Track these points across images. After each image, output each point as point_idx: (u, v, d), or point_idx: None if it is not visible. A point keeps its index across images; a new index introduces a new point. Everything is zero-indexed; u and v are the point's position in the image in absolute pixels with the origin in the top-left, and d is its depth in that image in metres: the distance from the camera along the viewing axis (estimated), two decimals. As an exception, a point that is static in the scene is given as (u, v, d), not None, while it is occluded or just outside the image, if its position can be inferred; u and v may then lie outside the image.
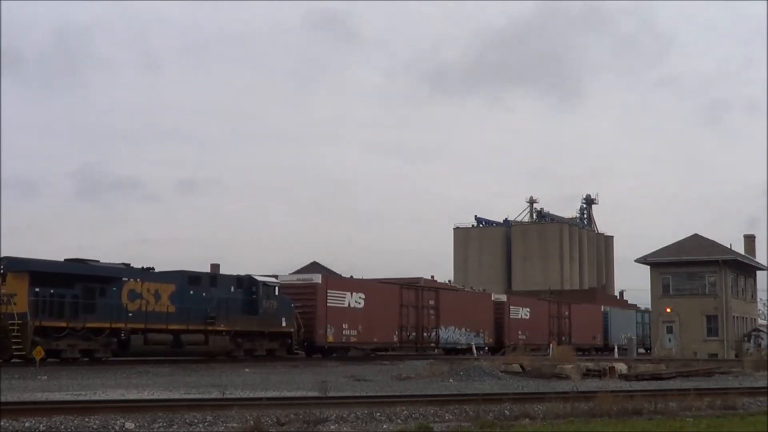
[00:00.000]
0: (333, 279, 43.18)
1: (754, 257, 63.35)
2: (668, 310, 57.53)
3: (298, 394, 18.39)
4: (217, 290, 34.79)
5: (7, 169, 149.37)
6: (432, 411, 15.04)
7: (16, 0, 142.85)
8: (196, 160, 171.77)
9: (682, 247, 58.73)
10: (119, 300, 31.13)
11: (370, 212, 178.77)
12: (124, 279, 31.53)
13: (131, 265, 32.67)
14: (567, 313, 63.67)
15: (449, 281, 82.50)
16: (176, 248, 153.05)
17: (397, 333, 45.39)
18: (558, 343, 57.40)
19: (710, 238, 60.39)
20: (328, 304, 40.44)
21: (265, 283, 36.91)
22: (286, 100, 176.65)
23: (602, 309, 70.08)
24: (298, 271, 62.40)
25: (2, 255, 29.85)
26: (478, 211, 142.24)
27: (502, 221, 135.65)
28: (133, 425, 12.65)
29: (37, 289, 28.92)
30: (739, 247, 62.39)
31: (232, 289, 35.68)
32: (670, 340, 56.83)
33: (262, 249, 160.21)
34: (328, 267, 74.66)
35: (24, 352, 27.88)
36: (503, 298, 59.10)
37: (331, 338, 40.41)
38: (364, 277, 50.81)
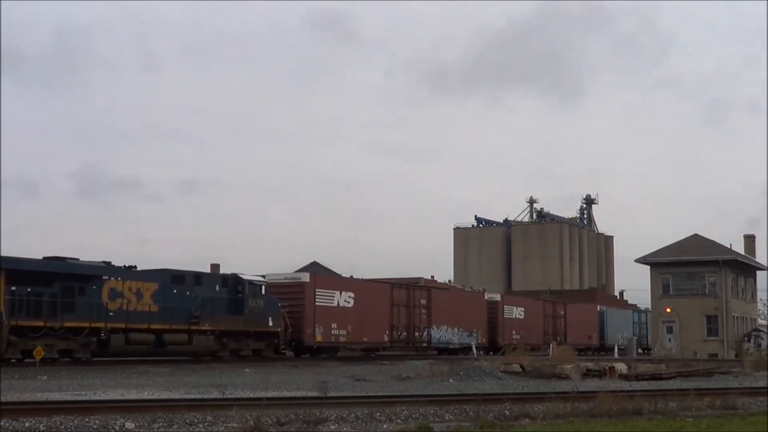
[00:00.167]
0: (321, 278, 42.41)
1: (754, 257, 63.38)
2: (668, 310, 57.57)
3: (298, 394, 18.39)
4: (202, 289, 34.15)
5: (7, 169, 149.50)
6: (432, 411, 15.04)
7: (16, 0, 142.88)
8: (196, 160, 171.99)
9: (682, 247, 58.76)
10: (99, 299, 30.46)
11: (370, 212, 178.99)
12: (104, 277, 30.84)
13: (112, 263, 31.95)
14: (562, 312, 63.20)
15: (449, 281, 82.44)
16: (176, 248, 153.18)
17: (387, 333, 44.85)
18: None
19: (710, 238, 60.51)
20: (317, 304, 39.87)
21: (251, 282, 36.34)
22: (286, 100, 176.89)
23: (598, 308, 69.56)
24: (298, 272, 61.99)
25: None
26: (478, 211, 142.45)
27: (502, 221, 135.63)
28: (133, 425, 12.65)
29: (13, 288, 28.17)
30: (739, 247, 62.46)
31: (217, 288, 35.11)
32: (670, 340, 56.85)
33: (262, 249, 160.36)
34: (328, 267, 74.68)
35: None
36: (497, 297, 58.40)
37: (319, 338, 39.91)
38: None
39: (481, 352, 51.71)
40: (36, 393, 17.91)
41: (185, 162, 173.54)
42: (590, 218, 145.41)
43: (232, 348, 35.60)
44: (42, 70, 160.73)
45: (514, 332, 56.13)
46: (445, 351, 49.69)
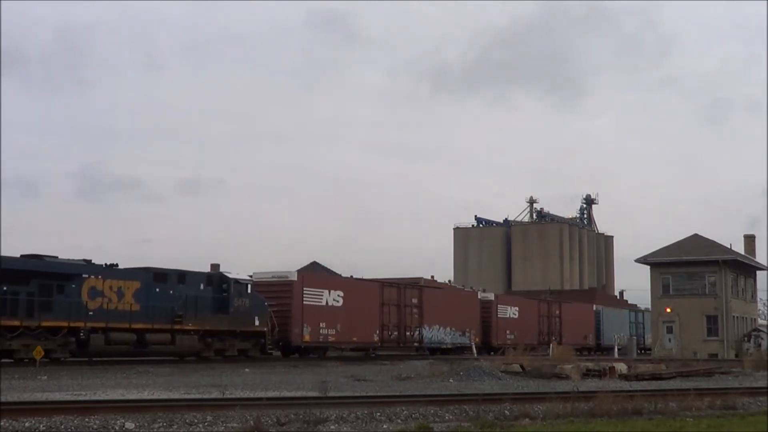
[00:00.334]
0: (309, 276, 41.54)
1: (754, 257, 63.38)
2: (668, 310, 57.55)
3: (298, 394, 18.39)
4: (186, 288, 33.48)
5: (7, 169, 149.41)
6: (432, 411, 15.04)
7: (17, 0, 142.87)
8: (196, 160, 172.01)
9: (682, 247, 58.76)
10: (79, 298, 29.82)
11: (370, 212, 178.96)
12: (84, 276, 30.21)
13: (93, 261, 31.42)
14: (558, 312, 62.48)
15: (449, 281, 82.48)
16: (177, 248, 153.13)
17: (378, 332, 44.22)
18: (548, 342, 56.93)
19: (710, 238, 60.48)
20: (305, 303, 39.22)
21: (236, 281, 35.76)
22: (287, 100, 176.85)
23: (594, 308, 68.81)
24: (299, 271, 61.77)
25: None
26: (478, 211, 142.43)
27: (502, 221, 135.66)
28: (133, 425, 12.65)
29: None
30: (739, 247, 62.46)
31: (202, 287, 34.36)
32: (670, 340, 56.84)
33: (263, 249, 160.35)
34: (329, 267, 74.73)
35: None
36: (491, 297, 57.68)
37: (307, 337, 39.25)
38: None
39: (471, 352, 51.52)
40: (36, 393, 17.92)
41: (186, 162, 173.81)
42: (590, 218, 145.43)
43: (217, 348, 35.01)
44: (43, 69, 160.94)
45: (508, 332, 55.54)
46: (438, 351, 49.02)
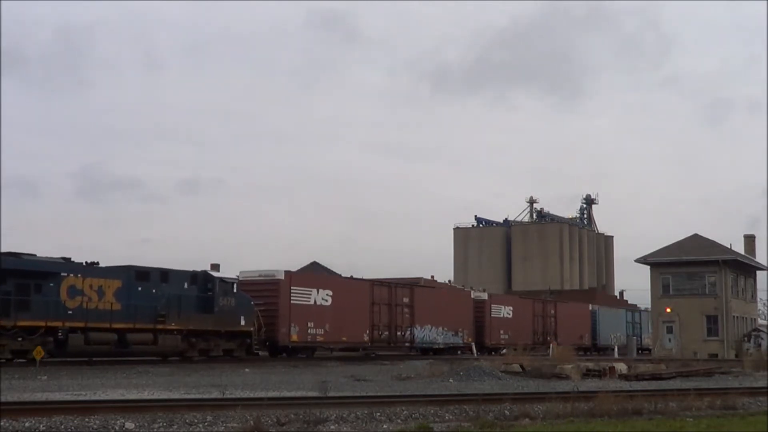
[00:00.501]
0: (297, 275, 40.44)
1: (754, 257, 63.39)
2: (668, 310, 57.55)
3: (298, 394, 18.40)
4: (169, 287, 32.75)
5: (7, 169, 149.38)
6: (432, 411, 15.05)
7: (17, 0, 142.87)
8: (196, 160, 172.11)
9: (682, 247, 58.76)
10: (57, 297, 29.01)
11: (370, 212, 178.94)
12: (62, 274, 29.42)
13: (72, 259, 30.64)
14: (552, 312, 61.74)
15: (449, 281, 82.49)
16: (177, 248, 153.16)
17: (368, 332, 43.51)
18: (543, 342, 56.22)
19: (710, 238, 60.49)
20: (292, 302, 38.46)
21: (222, 280, 35.06)
22: (287, 100, 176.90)
23: (590, 308, 67.96)
24: (298, 272, 61.66)
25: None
26: (478, 211, 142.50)
27: (502, 221, 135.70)
28: (133, 425, 12.65)
29: None
30: (739, 247, 62.47)
31: (186, 286, 33.65)
32: (670, 340, 56.85)
33: (263, 249, 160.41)
34: (329, 267, 74.70)
35: None
36: (484, 296, 56.65)
37: (295, 337, 38.53)
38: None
39: (464, 352, 50.96)
40: (36, 393, 17.92)
41: (186, 162, 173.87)
42: (590, 218, 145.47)
43: (201, 348, 34.32)
44: (43, 69, 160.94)
45: (502, 332, 54.92)
46: (430, 351, 48.60)
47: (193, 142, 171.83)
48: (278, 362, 35.94)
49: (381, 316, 44.71)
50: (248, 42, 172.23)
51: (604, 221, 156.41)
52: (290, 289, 38.59)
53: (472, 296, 54.88)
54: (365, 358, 45.10)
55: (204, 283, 34.60)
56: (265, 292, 37.71)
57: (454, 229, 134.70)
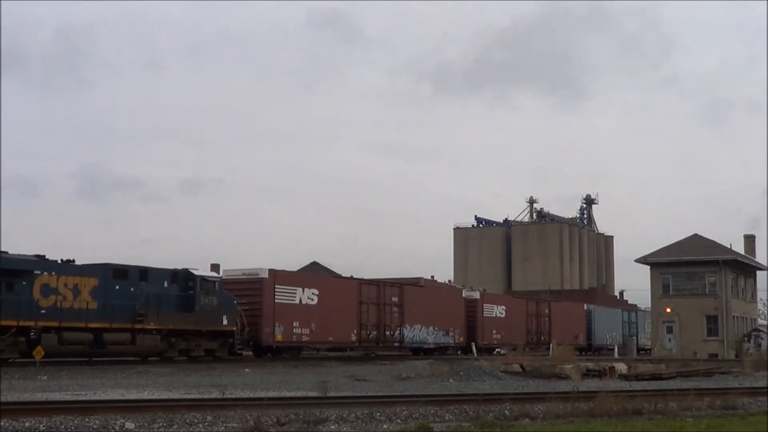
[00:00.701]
0: (281, 274, 39.23)
1: (754, 257, 63.41)
2: (668, 310, 57.56)
3: (298, 394, 18.40)
4: (148, 285, 31.91)
5: (8, 168, 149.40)
6: (432, 411, 15.05)
7: (17, 0, 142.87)
8: (197, 160, 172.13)
9: (682, 247, 58.78)
10: (30, 295, 28.24)
11: (370, 212, 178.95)
12: (36, 272, 28.60)
13: (46, 256, 29.75)
14: (547, 311, 60.71)
15: (449, 281, 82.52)
16: (177, 248, 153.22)
17: (355, 332, 42.71)
18: (537, 342, 55.71)
19: (710, 238, 60.51)
20: (276, 301, 37.61)
21: (203, 278, 34.22)
22: (288, 100, 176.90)
23: (585, 307, 66.79)
24: (299, 271, 61.44)
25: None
26: (478, 211, 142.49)
27: (502, 221, 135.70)
28: (133, 425, 12.65)
29: None
30: (739, 247, 62.49)
31: (166, 284, 32.84)
32: (670, 340, 56.85)
33: (263, 249, 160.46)
34: (329, 267, 74.73)
35: None
36: (476, 295, 55.59)
37: (279, 337, 37.74)
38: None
39: (459, 352, 50.56)
40: (36, 393, 17.92)
41: (186, 162, 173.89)
42: (590, 218, 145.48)
43: (182, 348, 33.56)
44: (43, 69, 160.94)
45: (494, 332, 54.15)
46: (420, 351, 48.07)
47: (193, 142, 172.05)
48: (278, 362, 35.92)
49: (369, 316, 43.93)
50: (248, 42, 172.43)
51: (604, 221, 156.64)
52: (274, 287, 37.79)
53: (464, 295, 54.07)
54: (365, 358, 45.07)
55: (185, 281, 33.79)
56: (248, 291, 37.02)
57: (454, 229, 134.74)
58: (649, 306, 63.12)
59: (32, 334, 28.19)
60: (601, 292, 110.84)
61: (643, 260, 58.86)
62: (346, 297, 42.56)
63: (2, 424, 12.14)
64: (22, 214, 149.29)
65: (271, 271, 38.00)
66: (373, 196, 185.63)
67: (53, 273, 29.15)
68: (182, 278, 33.77)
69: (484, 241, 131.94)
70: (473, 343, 51.43)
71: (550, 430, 13.41)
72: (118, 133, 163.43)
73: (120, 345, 30.96)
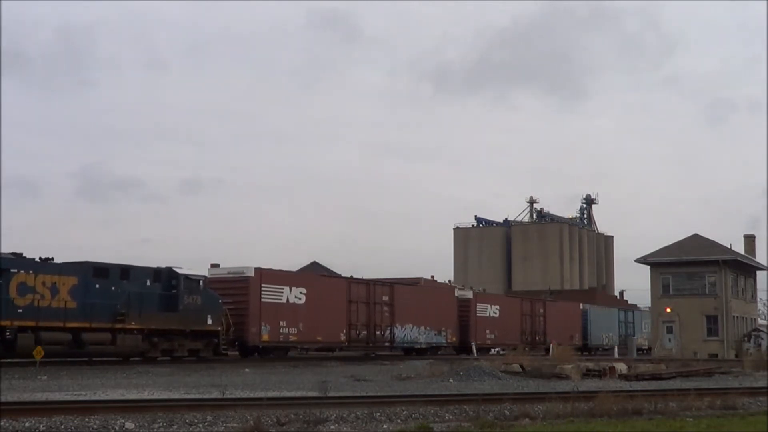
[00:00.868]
0: (268, 272, 38.33)
1: (754, 257, 63.45)
2: (668, 310, 57.58)
3: (298, 394, 18.40)
4: (130, 284, 31.21)
5: (8, 168, 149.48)
6: (432, 411, 15.05)
7: (18, 0, 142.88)
8: (197, 160, 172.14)
9: (682, 247, 58.81)
10: (6, 294, 27.51)
11: (370, 212, 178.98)
12: (12, 270, 27.85)
13: (24, 254, 29.07)
14: (541, 311, 59.72)
15: (449, 281, 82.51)
16: (177, 248, 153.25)
17: (345, 331, 41.89)
18: (531, 342, 55.07)
19: (710, 238, 60.54)
20: (263, 300, 36.90)
21: (187, 277, 33.38)
22: (287, 100, 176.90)
23: (581, 307, 65.49)
24: (299, 271, 61.23)
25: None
26: (478, 211, 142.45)
27: (502, 221, 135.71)
28: (133, 425, 12.65)
29: None
30: (739, 247, 62.52)
31: (148, 283, 32.14)
32: (670, 340, 56.86)
33: (263, 249, 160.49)
34: (329, 267, 74.74)
35: None
36: (469, 294, 54.69)
37: (266, 337, 37.08)
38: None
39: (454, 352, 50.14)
40: (36, 393, 17.91)
41: (186, 162, 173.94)
42: (590, 218, 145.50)
43: (165, 348, 32.89)
44: (43, 69, 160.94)
45: (488, 331, 53.33)
46: (412, 351, 47.64)
47: (193, 142, 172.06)
48: (278, 362, 35.92)
49: (359, 315, 43.18)
50: (248, 42, 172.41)
51: (604, 221, 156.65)
52: (261, 286, 37.12)
53: (456, 294, 53.08)
54: (365, 358, 45.04)
55: (168, 280, 33.08)
56: (234, 290, 36.41)
57: (454, 229, 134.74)
58: (649, 306, 63.13)
59: (8, 333, 27.50)
60: (601, 292, 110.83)
61: (643, 260, 58.89)
62: (335, 296, 41.84)
63: (2, 424, 12.14)
64: (22, 214, 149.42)
65: (257, 270, 37.42)
66: (373, 196, 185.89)
67: (30, 271, 28.44)
68: (165, 277, 33.12)
69: (484, 241, 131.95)
70: (473, 344, 51.25)
71: (550, 430, 13.42)
72: (118, 133, 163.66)
73: (100, 345, 30.25)
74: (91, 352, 30.22)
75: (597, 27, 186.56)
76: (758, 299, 71.92)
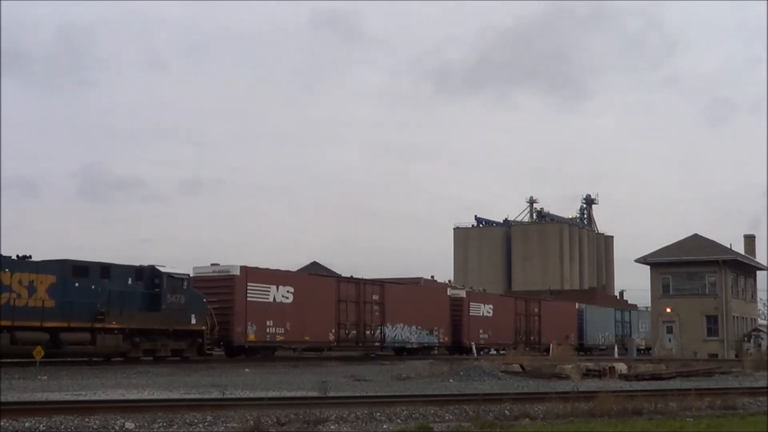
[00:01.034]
0: (254, 270, 37.60)
1: (754, 257, 63.44)
2: (668, 310, 57.58)
3: (298, 394, 18.40)
4: (110, 283, 30.57)
5: (8, 168, 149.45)
6: (432, 411, 15.05)
7: (18, 0, 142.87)
8: (196, 160, 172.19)
9: (682, 247, 58.81)
10: None
11: (370, 212, 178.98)
12: None
13: (1, 252, 28.52)
14: (536, 310, 59.09)
15: (449, 281, 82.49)
16: (177, 248, 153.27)
17: (333, 331, 41.30)
18: (526, 342, 55.40)
19: (710, 238, 60.53)
20: (249, 299, 36.33)
21: (170, 275, 32.71)
22: (288, 100, 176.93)
23: (577, 307, 65.12)
24: (299, 271, 61.08)
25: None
26: (478, 211, 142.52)
27: (502, 221, 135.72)
28: (133, 425, 12.65)
29: None
30: (739, 247, 62.51)
31: (130, 282, 31.47)
32: (670, 340, 56.86)
33: (263, 249, 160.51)
34: (329, 267, 74.68)
35: None
36: (462, 293, 54.05)
37: (252, 337, 36.51)
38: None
39: (443, 351, 49.80)
40: (36, 393, 17.92)
41: (186, 162, 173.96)
42: (590, 218, 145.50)
43: (147, 348, 32.24)
44: (44, 69, 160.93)
45: (481, 331, 52.82)
46: (403, 351, 47.13)
47: (194, 142, 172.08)
48: (278, 362, 35.92)
49: (348, 315, 42.55)
50: (248, 42, 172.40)
51: (604, 221, 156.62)
52: (246, 285, 36.57)
53: (449, 293, 52.34)
54: (365, 358, 45.00)
55: (150, 278, 32.39)
56: (219, 289, 35.84)
57: (454, 229, 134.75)
58: (649, 306, 63.09)
59: None
60: (602, 292, 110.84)
61: (643, 260, 58.88)
62: (323, 295, 41.16)
63: (2, 424, 12.14)
64: (22, 214, 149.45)
65: (243, 268, 36.85)
66: (373, 196, 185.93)
67: (6, 270, 27.89)
68: (148, 275, 32.43)
69: (484, 241, 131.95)
70: (473, 344, 51.11)
71: (550, 430, 13.42)
72: (118, 133, 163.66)
73: (79, 345, 29.60)
74: (69, 353, 29.61)
75: (597, 27, 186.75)
76: (758, 299, 71.93)
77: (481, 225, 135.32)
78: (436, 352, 49.27)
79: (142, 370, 27.59)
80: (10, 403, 14.33)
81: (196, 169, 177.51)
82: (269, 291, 37.77)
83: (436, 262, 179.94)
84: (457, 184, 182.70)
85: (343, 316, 42.20)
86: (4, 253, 28.47)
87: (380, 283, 46.69)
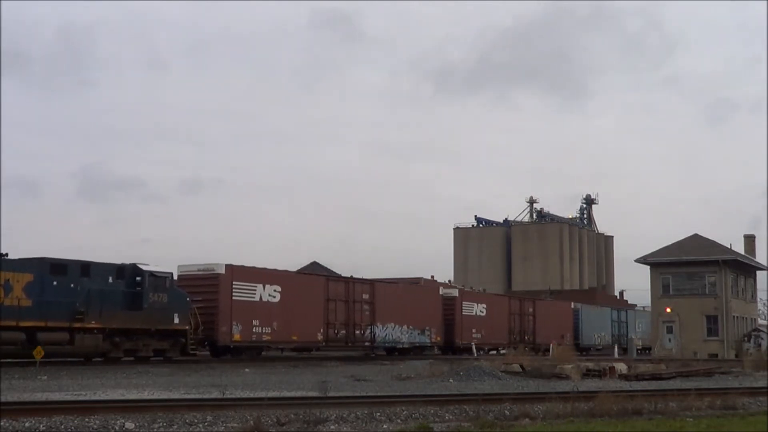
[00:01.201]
0: (239, 269, 36.95)
1: (754, 257, 63.44)
2: (668, 310, 57.59)
3: (298, 394, 18.40)
4: (90, 281, 29.88)
5: (8, 168, 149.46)
6: (432, 411, 15.05)
7: (18, 0, 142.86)
8: (196, 160, 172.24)
9: (682, 247, 58.82)
10: None
11: (370, 212, 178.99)
12: None
13: None
14: (531, 310, 58.49)
15: (449, 281, 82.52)
16: (177, 248, 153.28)
17: (322, 331, 40.63)
18: (520, 342, 54.88)
19: (710, 238, 60.54)
20: (234, 298, 35.75)
21: (152, 274, 32.02)
22: (288, 100, 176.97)
23: (572, 306, 64.38)
24: (299, 271, 60.98)
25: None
26: (478, 211, 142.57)
27: (502, 221, 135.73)
28: (133, 425, 12.65)
29: None
30: (739, 247, 62.52)
31: (111, 280, 30.79)
32: (670, 340, 56.86)
33: (263, 249, 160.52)
34: (329, 267, 74.68)
35: None
36: (454, 293, 53.19)
37: (237, 336, 35.95)
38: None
39: (436, 351, 49.44)
40: (36, 393, 17.91)
41: (186, 162, 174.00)
42: (590, 218, 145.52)
43: (128, 348, 31.59)
44: (44, 69, 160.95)
45: (474, 331, 52.23)
46: (394, 351, 46.68)
47: (194, 142, 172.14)
48: (278, 362, 35.91)
49: (337, 314, 41.80)
50: (248, 42, 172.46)
51: (604, 221, 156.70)
52: (232, 284, 35.95)
53: (441, 293, 51.54)
54: (365, 358, 44.96)
55: (132, 277, 31.68)
56: (203, 288, 35.16)
57: (454, 229, 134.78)
58: (647, 305, 63.06)
59: None
60: (602, 292, 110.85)
61: (643, 260, 58.89)
62: (311, 294, 40.48)
63: (2, 424, 12.14)
64: (22, 214, 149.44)
65: (228, 266, 36.19)
66: (373, 196, 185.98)
67: None
68: (129, 274, 31.69)
69: (484, 241, 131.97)
70: (473, 344, 50.93)
71: (550, 430, 13.41)
72: (118, 133, 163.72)
73: (56, 345, 28.88)
74: (48, 353, 28.64)
75: (597, 27, 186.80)
76: (758, 299, 71.94)
77: (481, 225, 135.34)
78: (428, 352, 48.76)
79: (142, 370, 27.58)
80: (10, 403, 14.33)
81: (196, 169, 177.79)
82: (255, 290, 37.16)
83: (436, 262, 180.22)
84: (457, 184, 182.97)
85: (332, 315, 41.56)
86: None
87: (370, 282, 46.04)
